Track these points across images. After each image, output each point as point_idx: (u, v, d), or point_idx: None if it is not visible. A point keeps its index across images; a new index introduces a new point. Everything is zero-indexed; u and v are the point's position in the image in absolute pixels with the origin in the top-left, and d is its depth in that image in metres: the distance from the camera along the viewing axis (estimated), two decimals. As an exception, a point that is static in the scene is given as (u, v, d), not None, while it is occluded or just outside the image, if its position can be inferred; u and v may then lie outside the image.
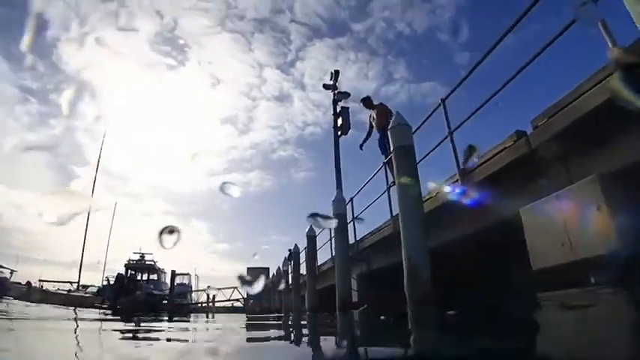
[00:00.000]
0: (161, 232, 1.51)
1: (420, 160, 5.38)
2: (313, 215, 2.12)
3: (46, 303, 16.97)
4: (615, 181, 2.82)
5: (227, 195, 1.92)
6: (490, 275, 4.91)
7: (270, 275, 23.95)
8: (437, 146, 5.26)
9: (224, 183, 1.95)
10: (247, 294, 29.63)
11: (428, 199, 5.36)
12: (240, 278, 2.24)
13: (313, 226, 8.08)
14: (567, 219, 3.04)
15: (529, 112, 3.70)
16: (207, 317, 12.33)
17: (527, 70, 3.77)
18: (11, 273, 22.90)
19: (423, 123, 5.63)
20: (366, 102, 9.14)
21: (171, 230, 1.52)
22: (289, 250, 15.28)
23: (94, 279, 29.52)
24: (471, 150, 3.35)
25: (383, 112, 8.50)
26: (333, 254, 9.48)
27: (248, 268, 30.42)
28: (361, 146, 9.65)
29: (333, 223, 6.51)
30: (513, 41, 4.46)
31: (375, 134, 8.88)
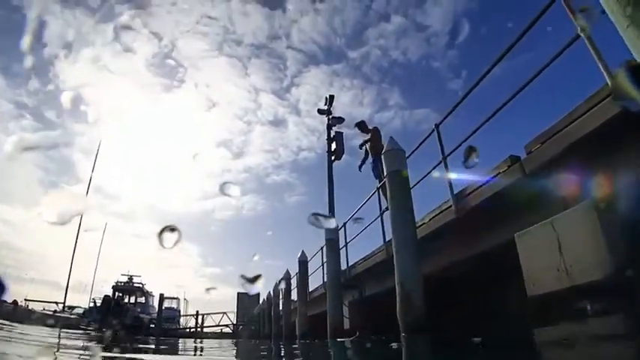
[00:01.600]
0: (161, 231, 1.46)
1: (414, 185, 5.36)
2: (315, 215, 2.09)
3: (31, 324, 16.48)
4: (611, 205, 2.80)
5: (227, 195, 1.88)
6: (484, 302, 4.83)
7: (261, 301, 23.58)
8: (431, 171, 5.24)
9: (224, 183, 1.92)
10: (237, 320, 29.15)
11: (422, 225, 5.31)
12: (242, 277, 2.17)
13: (314, 226, 7.92)
14: (563, 244, 2.99)
15: (523, 138, 3.71)
16: (195, 342, 12.01)
17: (521, 95, 3.81)
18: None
19: (417, 148, 5.64)
20: (361, 126, 9.18)
21: (172, 229, 1.47)
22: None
23: (82, 300, 28.78)
24: (470, 150, 3.33)
25: (377, 137, 8.53)
26: (325, 280, 9.34)
27: (238, 293, 30.08)
28: (360, 167, 9.64)
29: (333, 223, 6.45)
30: (506, 68, 4.52)
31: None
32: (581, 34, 3.01)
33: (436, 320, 4.39)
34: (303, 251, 11.73)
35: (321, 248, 10.07)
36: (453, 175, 4.77)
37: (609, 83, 2.78)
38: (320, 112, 13.73)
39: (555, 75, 3.68)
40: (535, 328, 3.23)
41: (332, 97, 13.79)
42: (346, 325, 8.32)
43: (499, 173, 3.93)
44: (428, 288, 4.52)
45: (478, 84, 4.49)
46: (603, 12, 2.42)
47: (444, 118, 5.04)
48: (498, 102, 4.08)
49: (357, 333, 7.54)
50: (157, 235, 1.49)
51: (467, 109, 4.97)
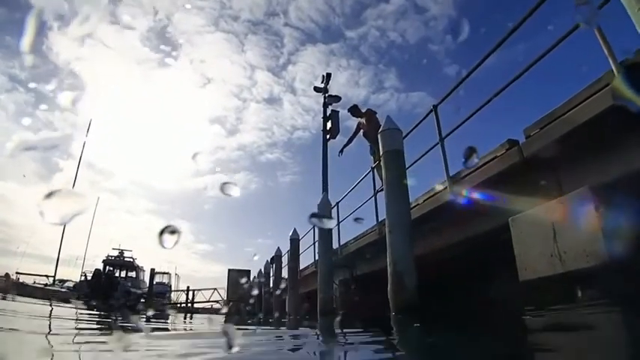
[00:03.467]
0: (161, 232, 1.41)
1: (410, 166, 5.32)
2: (314, 215, 2.06)
3: (22, 295, 16.51)
4: (607, 193, 2.77)
5: (227, 195, 1.85)
6: (477, 285, 4.85)
7: (252, 278, 23.72)
8: (427, 152, 5.20)
9: (224, 183, 1.89)
10: (227, 295, 29.37)
11: (415, 206, 5.29)
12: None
13: (314, 225, 7.94)
14: (557, 230, 2.98)
15: (522, 123, 3.67)
16: (186, 318, 12.10)
17: (522, 82, 3.76)
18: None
19: (414, 128, 5.57)
20: (354, 110, 9.01)
21: (172, 231, 1.42)
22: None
23: (73, 275, 28.76)
24: (471, 150, 3.30)
25: (372, 118, 8.44)
26: (317, 258, 9.36)
27: (229, 270, 30.21)
28: (340, 152, 9.62)
29: (332, 223, 6.46)
30: (502, 58, 4.47)
31: (362, 142, 8.80)
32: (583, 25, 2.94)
33: (427, 301, 4.41)
34: (295, 229, 11.74)
35: (314, 227, 10.08)
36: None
37: (614, 68, 2.72)
38: (316, 89, 13.56)
39: (557, 62, 3.63)
40: (526, 313, 3.25)
41: (329, 74, 13.61)
42: (336, 303, 8.38)
43: (496, 157, 3.89)
44: (420, 270, 4.53)
45: (478, 66, 4.41)
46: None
47: (443, 99, 4.97)
48: (495, 90, 4.04)
49: (342, 312, 7.64)
50: (157, 235, 1.45)
51: (463, 99, 4.93)
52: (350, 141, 9.31)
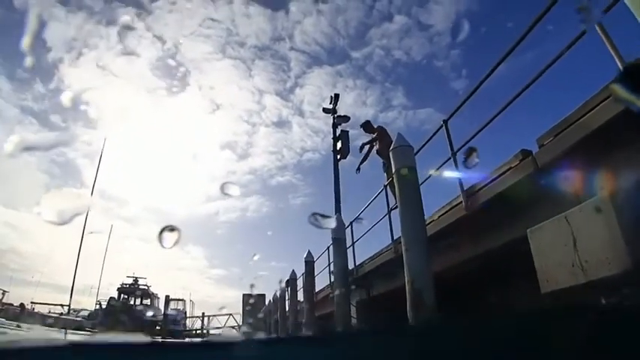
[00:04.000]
0: (161, 231, 1.45)
1: (424, 182, 5.31)
2: (314, 215, 2.06)
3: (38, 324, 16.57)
4: (627, 198, 2.73)
5: (227, 195, 1.88)
6: (496, 300, 4.76)
7: (267, 302, 23.53)
8: (440, 166, 5.19)
9: (224, 183, 1.92)
10: (242, 321, 29.11)
11: (431, 222, 5.25)
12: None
13: (314, 225, 7.93)
14: (577, 239, 2.93)
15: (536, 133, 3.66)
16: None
17: (531, 92, 3.77)
18: (3, 294, 22.48)
19: (425, 144, 5.59)
20: (367, 126, 9.16)
21: (171, 229, 1.46)
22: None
23: (88, 303, 28.77)
24: (471, 151, 3.31)
25: (384, 135, 8.49)
26: (332, 280, 9.28)
27: (244, 295, 30.06)
28: (358, 169, 9.64)
29: (333, 223, 6.40)
30: (512, 67, 4.49)
31: (376, 159, 8.85)
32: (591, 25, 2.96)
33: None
34: (309, 251, 11.69)
35: (328, 248, 10.03)
36: (460, 173, 4.72)
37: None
38: (325, 110, 13.69)
39: (566, 69, 3.64)
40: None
41: (337, 95, 13.77)
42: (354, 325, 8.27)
43: (510, 168, 3.86)
44: (438, 286, 4.46)
45: (486, 79, 4.43)
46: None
47: (453, 113, 4.99)
48: (505, 101, 4.05)
49: None
50: (158, 234, 1.48)
51: (470, 111, 4.95)
52: (366, 157, 9.36)
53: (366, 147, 9.22)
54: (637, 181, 2.79)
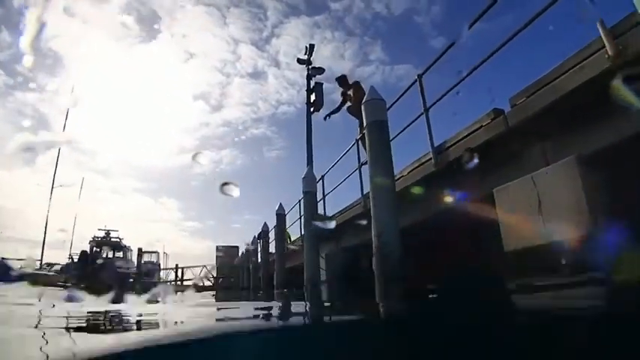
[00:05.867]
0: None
1: (394, 137, 5.23)
2: (315, 216, 2.01)
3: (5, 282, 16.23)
4: (594, 163, 2.73)
5: (228, 195, 1.82)
6: (462, 257, 4.85)
7: (240, 254, 23.79)
8: (411, 123, 5.11)
9: (224, 184, 1.86)
10: (216, 273, 29.50)
11: (400, 178, 5.23)
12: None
13: (318, 227, 7.95)
14: (542, 201, 2.94)
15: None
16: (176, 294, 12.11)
17: (508, 51, 3.66)
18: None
19: (398, 99, 5.47)
20: (342, 80, 8.90)
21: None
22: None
23: (61, 257, 28.27)
24: (471, 152, 3.28)
25: (360, 91, 8.29)
26: (303, 232, 9.34)
27: (217, 246, 30.27)
28: (326, 117, 9.51)
29: (332, 224, 6.47)
30: (496, 28, 4.35)
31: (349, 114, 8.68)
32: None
33: (411, 272, 4.40)
34: (280, 204, 11.67)
35: (299, 201, 10.02)
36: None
37: (602, 35, 2.63)
38: (300, 61, 13.27)
39: (544, 30, 3.53)
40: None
41: (312, 46, 13.31)
42: (323, 276, 8.42)
43: (481, 127, 3.81)
44: (404, 241, 4.50)
45: (463, 34, 4.28)
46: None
47: (427, 69, 4.85)
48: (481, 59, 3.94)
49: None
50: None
51: (449, 69, 4.83)
52: (337, 109, 9.18)
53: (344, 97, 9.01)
54: (605, 144, 2.78)
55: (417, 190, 4.97)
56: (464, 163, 3.57)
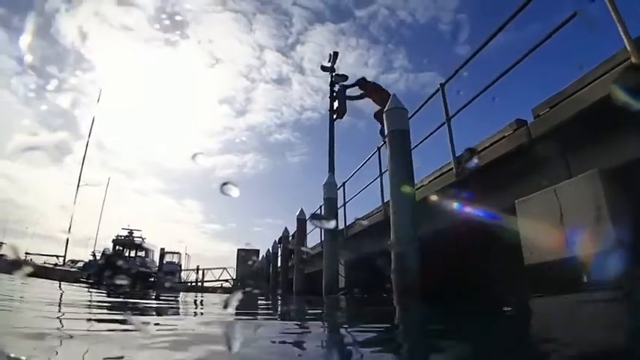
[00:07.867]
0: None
1: (415, 146, 5.22)
2: (314, 216, 2.04)
3: (32, 276, 16.66)
4: (617, 177, 2.67)
5: (227, 195, 1.88)
6: (481, 269, 4.79)
7: (260, 257, 23.93)
8: (433, 132, 5.09)
9: (224, 184, 1.91)
10: (236, 275, 29.73)
11: (420, 187, 5.21)
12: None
13: (315, 226, 8.03)
14: (565, 214, 2.89)
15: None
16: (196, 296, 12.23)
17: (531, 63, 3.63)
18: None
19: (420, 107, 5.46)
20: (362, 82, 8.98)
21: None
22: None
23: (84, 255, 28.98)
24: (471, 152, 3.26)
25: (377, 91, 8.35)
26: (323, 239, 9.36)
27: (238, 250, 30.53)
28: (341, 89, 9.49)
29: (332, 224, 6.49)
30: (515, 38, 4.32)
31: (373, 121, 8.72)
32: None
33: (430, 282, 4.37)
34: (302, 209, 11.73)
35: (320, 207, 10.05)
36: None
37: (627, 46, 2.59)
38: (323, 68, 13.33)
39: (567, 43, 3.49)
40: (531, 298, 3.19)
41: (336, 53, 13.36)
42: (341, 283, 8.41)
43: (504, 137, 3.78)
44: (424, 250, 4.48)
45: (486, 44, 4.26)
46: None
47: (450, 78, 4.83)
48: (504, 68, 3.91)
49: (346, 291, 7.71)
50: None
51: (471, 78, 4.80)
52: (356, 97, 9.21)
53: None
54: (629, 160, 2.72)
55: (436, 199, 4.93)
56: (464, 163, 3.52)
